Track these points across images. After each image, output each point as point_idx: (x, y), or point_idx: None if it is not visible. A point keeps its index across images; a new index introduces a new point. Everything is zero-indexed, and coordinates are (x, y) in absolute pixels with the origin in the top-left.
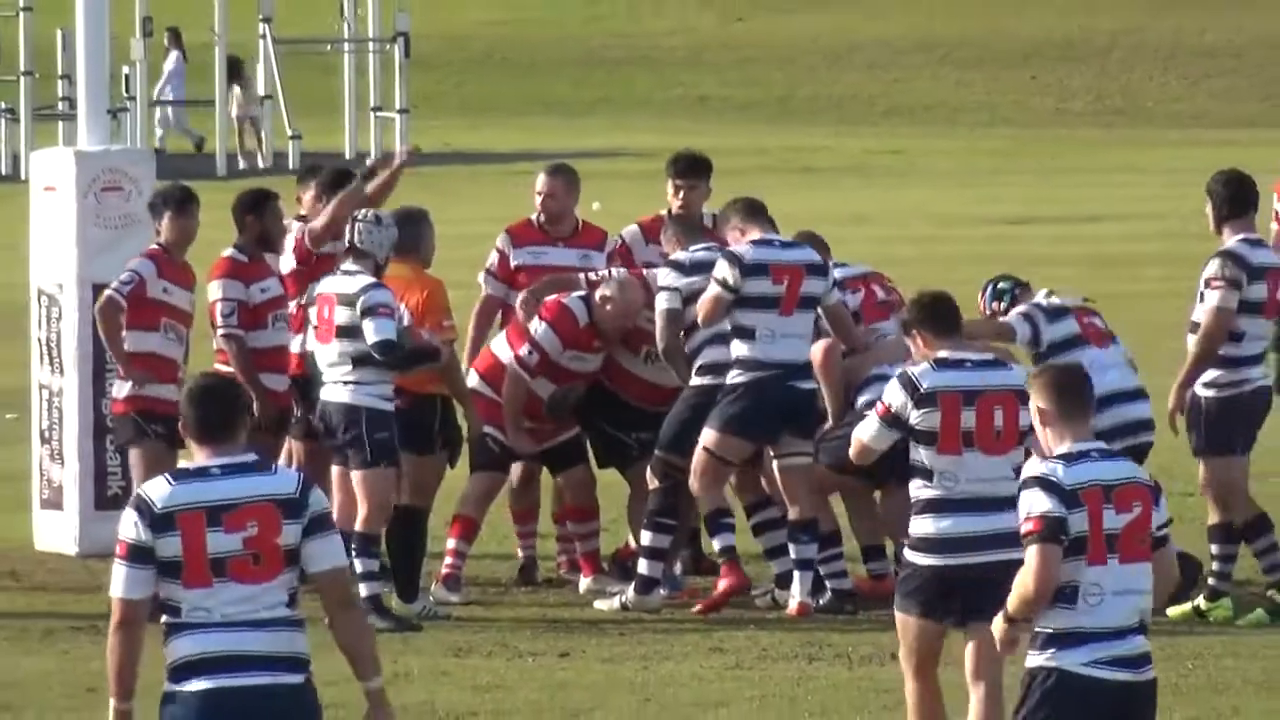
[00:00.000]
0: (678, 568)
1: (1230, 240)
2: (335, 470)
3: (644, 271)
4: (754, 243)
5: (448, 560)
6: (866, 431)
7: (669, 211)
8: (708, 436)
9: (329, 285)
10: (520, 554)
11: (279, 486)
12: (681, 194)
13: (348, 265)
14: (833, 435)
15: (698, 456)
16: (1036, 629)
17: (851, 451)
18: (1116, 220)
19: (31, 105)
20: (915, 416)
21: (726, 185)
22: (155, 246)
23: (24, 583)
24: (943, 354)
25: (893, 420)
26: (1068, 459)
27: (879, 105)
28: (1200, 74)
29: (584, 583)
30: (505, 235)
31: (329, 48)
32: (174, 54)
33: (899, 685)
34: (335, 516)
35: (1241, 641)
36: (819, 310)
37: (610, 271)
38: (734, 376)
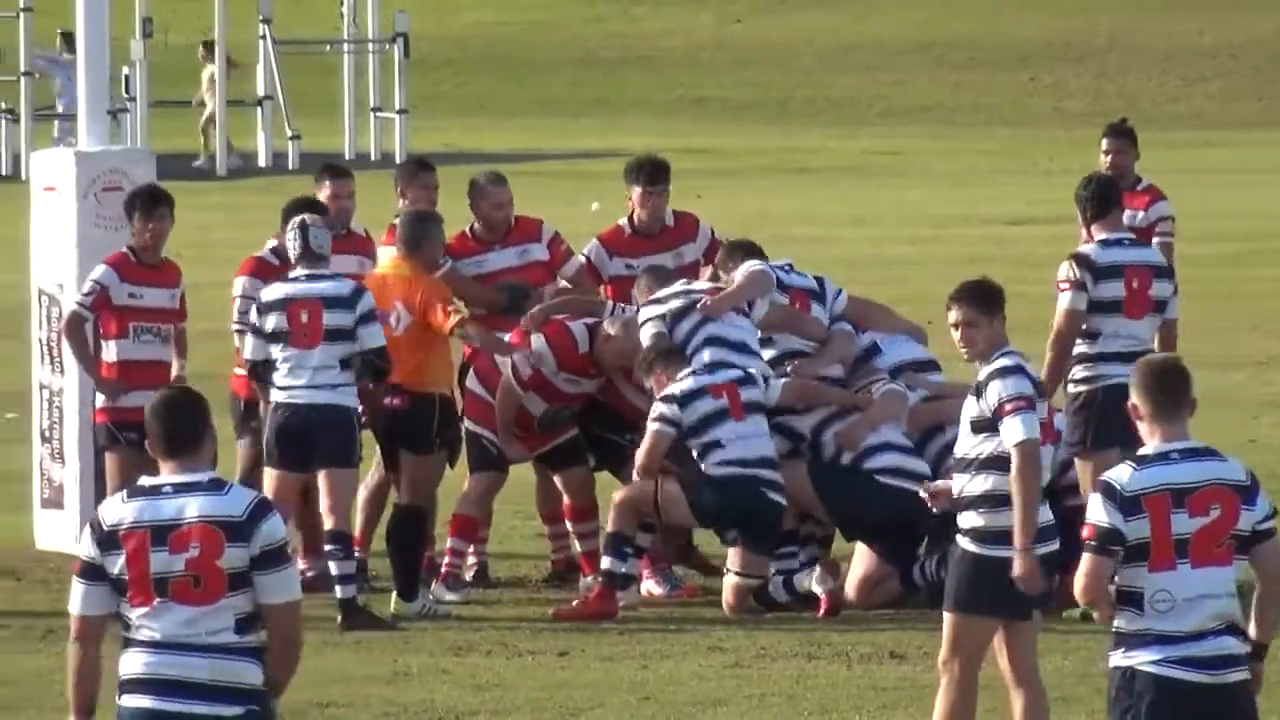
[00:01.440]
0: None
1: (1090, 241)
2: (275, 474)
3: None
4: (682, 379)
5: (447, 559)
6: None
7: (630, 219)
8: (670, 491)
9: (305, 289)
10: (552, 556)
11: (226, 508)
12: (650, 200)
13: (313, 269)
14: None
15: (640, 488)
16: (1113, 629)
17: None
18: None
19: (32, 106)
20: (978, 407)
21: (725, 186)
22: (122, 251)
23: (25, 582)
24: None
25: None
26: (1141, 461)
27: (876, 106)
28: (1197, 75)
29: (584, 582)
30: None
31: (328, 48)
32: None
33: (899, 683)
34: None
35: None
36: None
37: (622, 308)
38: (712, 468)
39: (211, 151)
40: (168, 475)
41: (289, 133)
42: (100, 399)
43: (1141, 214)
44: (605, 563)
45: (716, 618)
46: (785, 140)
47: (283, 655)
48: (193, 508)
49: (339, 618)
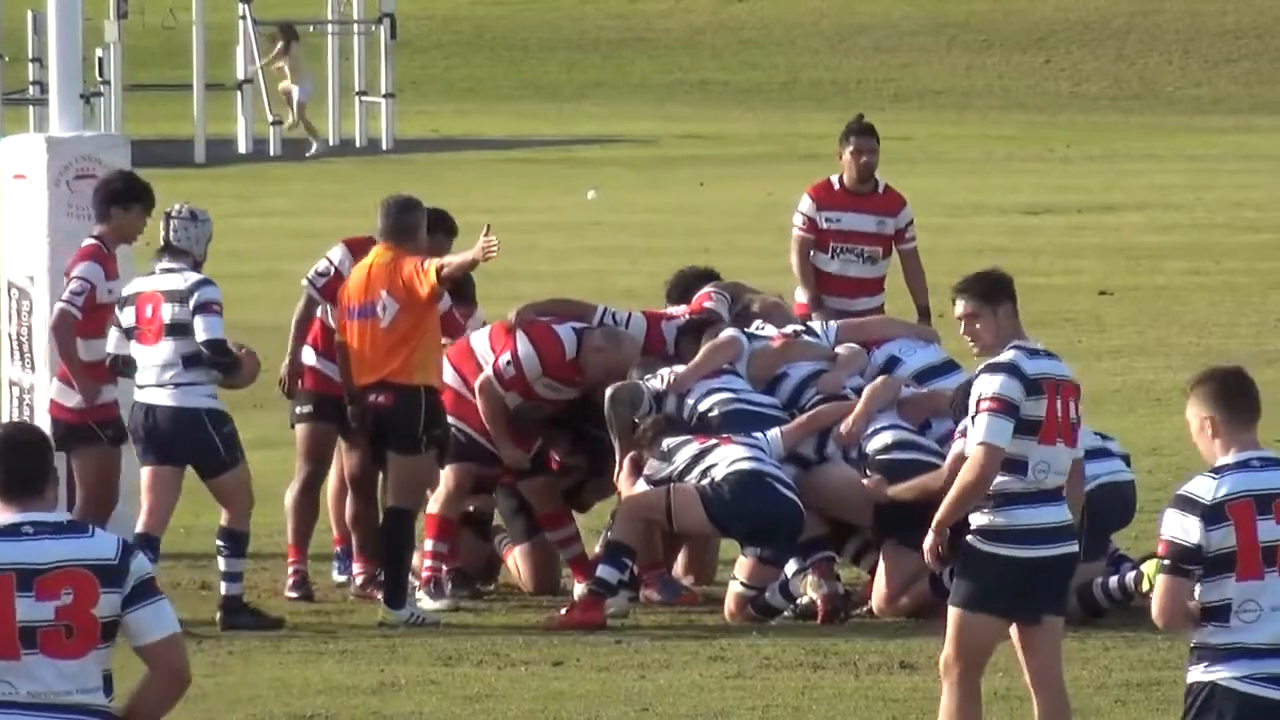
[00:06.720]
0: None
1: None
2: (148, 471)
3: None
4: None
5: (426, 563)
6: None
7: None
8: (683, 497)
9: (151, 284)
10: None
11: (98, 551)
12: None
13: (166, 263)
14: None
15: (651, 494)
16: (1192, 645)
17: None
18: (1136, 209)
19: (1, 90)
20: (1026, 407)
21: (728, 173)
22: (94, 243)
23: None
24: None
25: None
26: (1220, 471)
27: (886, 90)
28: (1221, 57)
29: (578, 589)
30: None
31: (311, 29)
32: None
33: (908, 694)
34: (145, 521)
35: None
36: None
37: (613, 314)
38: (721, 472)
39: (316, 135)
40: (16, 515)
41: (269, 118)
42: (70, 397)
43: (891, 220)
44: (601, 570)
45: (718, 626)
46: (791, 125)
47: (170, 693)
48: (62, 550)
49: (218, 615)
